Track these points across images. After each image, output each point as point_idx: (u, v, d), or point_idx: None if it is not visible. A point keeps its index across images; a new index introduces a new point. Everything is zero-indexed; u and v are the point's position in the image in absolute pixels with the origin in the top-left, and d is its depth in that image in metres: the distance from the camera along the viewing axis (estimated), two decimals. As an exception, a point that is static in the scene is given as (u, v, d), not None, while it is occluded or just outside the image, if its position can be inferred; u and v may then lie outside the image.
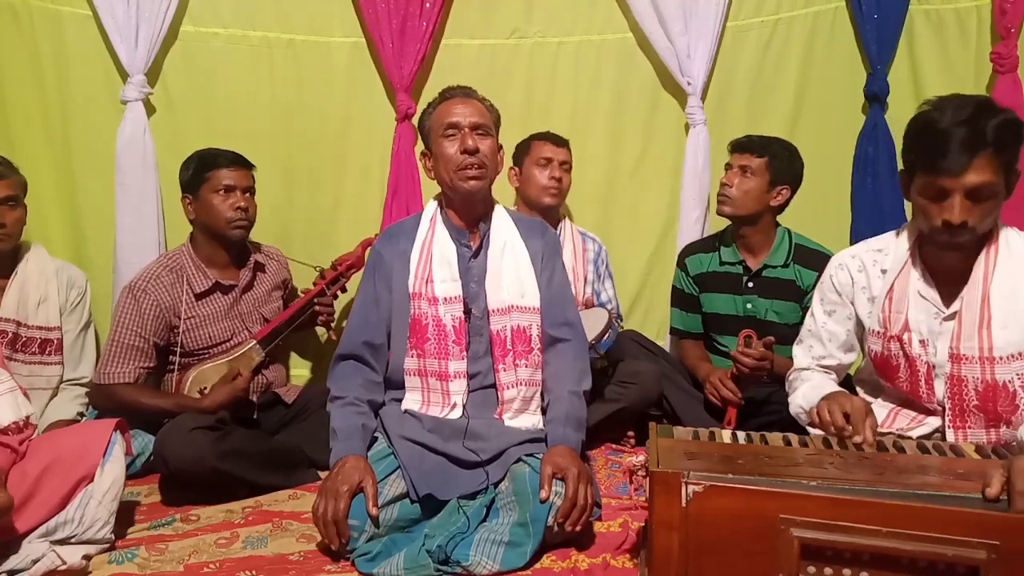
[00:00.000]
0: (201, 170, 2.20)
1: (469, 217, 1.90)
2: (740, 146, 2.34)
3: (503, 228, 1.91)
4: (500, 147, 1.92)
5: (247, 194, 2.23)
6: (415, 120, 1.95)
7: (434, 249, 1.86)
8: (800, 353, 1.85)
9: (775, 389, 2.21)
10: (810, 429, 1.72)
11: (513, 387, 1.81)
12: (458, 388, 1.81)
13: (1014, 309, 1.55)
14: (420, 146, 1.97)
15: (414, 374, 1.84)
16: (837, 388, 1.71)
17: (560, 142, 2.53)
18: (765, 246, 2.35)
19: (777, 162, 2.28)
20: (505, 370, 1.82)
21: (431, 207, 1.94)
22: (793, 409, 1.78)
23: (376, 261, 1.92)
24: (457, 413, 1.80)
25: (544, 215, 2.41)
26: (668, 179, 2.85)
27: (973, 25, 2.67)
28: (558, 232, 2.47)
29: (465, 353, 1.82)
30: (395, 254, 1.89)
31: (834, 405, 1.51)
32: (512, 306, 1.84)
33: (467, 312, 1.84)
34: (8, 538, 1.52)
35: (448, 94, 1.88)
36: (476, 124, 1.82)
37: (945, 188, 1.48)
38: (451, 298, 1.82)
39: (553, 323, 1.89)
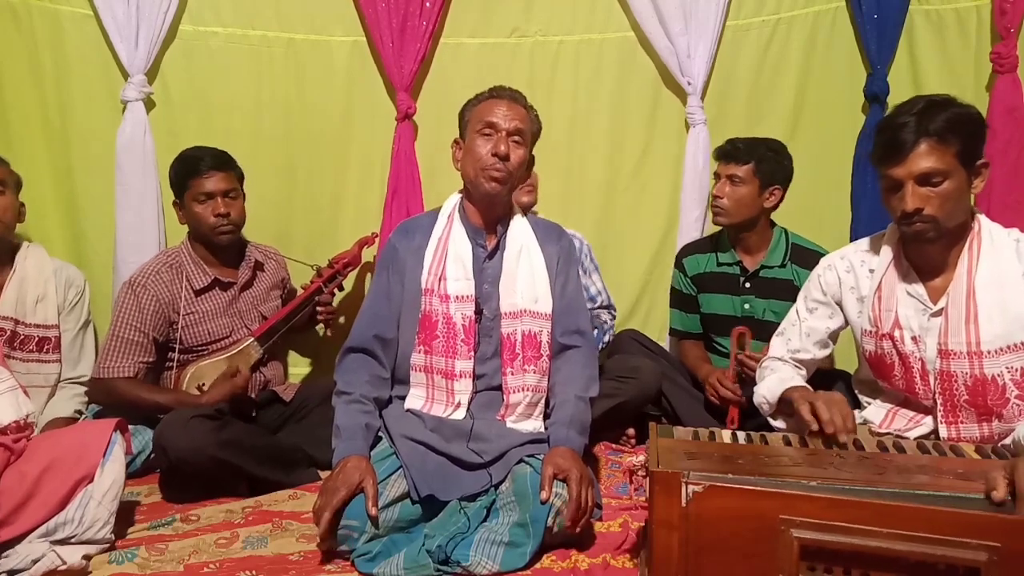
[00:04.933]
0: (182, 177, 2.19)
1: (488, 217, 1.88)
2: (725, 154, 2.33)
3: (521, 232, 1.89)
4: (532, 159, 1.89)
5: (228, 197, 2.19)
6: (459, 113, 1.91)
7: (450, 246, 1.84)
8: (777, 344, 1.89)
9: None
10: (771, 421, 1.77)
11: (520, 391, 1.80)
12: (463, 388, 1.80)
13: (1000, 302, 1.56)
14: (448, 135, 1.93)
15: (420, 370, 1.83)
16: (803, 384, 1.74)
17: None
18: (762, 247, 2.36)
19: (764, 165, 2.28)
20: (513, 374, 1.81)
21: (451, 202, 1.92)
22: (756, 399, 1.80)
23: (390, 255, 1.90)
24: (460, 414, 1.79)
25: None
26: (669, 179, 2.84)
27: (973, 25, 2.67)
28: None
29: (473, 353, 1.81)
30: (410, 248, 1.88)
31: (821, 403, 1.52)
32: (524, 310, 1.82)
33: (478, 312, 1.83)
34: (8, 538, 1.52)
35: (497, 92, 1.85)
36: (514, 130, 1.79)
37: (896, 177, 1.56)
38: (463, 296, 1.81)
39: (565, 331, 1.88)
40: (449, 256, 1.83)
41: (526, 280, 1.84)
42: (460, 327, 1.80)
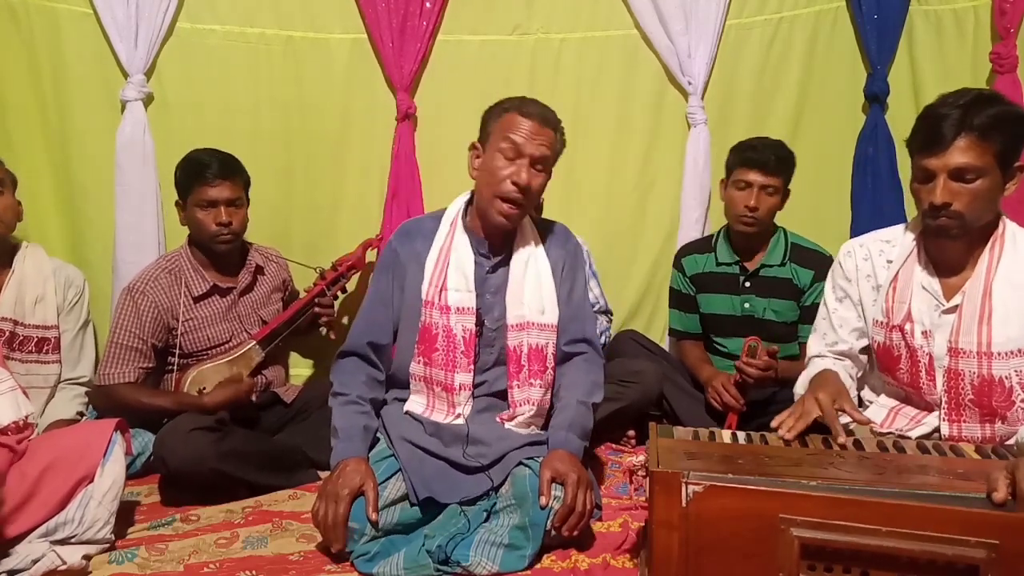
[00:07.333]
0: (187, 181, 2.17)
1: (493, 232, 1.82)
2: (762, 164, 2.24)
3: (528, 239, 1.84)
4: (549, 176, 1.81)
5: (232, 206, 2.16)
6: (483, 116, 1.82)
7: (452, 255, 1.79)
8: (814, 341, 1.86)
9: (778, 389, 2.22)
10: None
11: (525, 404, 1.79)
12: (463, 399, 1.78)
13: (1016, 305, 1.55)
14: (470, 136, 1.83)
15: (419, 379, 1.81)
16: (829, 369, 1.72)
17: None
18: (762, 246, 2.36)
19: (789, 173, 2.30)
20: (519, 387, 1.78)
21: (456, 206, 1.85)
22: (796, 398, 1.78)
23: (390, 259, 1.86)
24: (460, 420, 1.78)
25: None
26: (674, 179, 2.82)
27: (971, 26, 2.66)
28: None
29: (472, 366, 1.78)
30: (410, 255, 1.83)
31: (798, 408, 1.53)
32: (531, 323, 1.79)
33: (479, 324, 1.79)
34: (8, 538, 1.51)
35: (527, 108, 1.73)
36: (540, 157, 1.71)
37: (930, 169, 1.53)
38: (464, 309, 1.77)
39: (570, 340, 1.85)
40: (451, 266, 1.79)
41: (533, 290, 1.80)
42: (460, 339, 1.76)
